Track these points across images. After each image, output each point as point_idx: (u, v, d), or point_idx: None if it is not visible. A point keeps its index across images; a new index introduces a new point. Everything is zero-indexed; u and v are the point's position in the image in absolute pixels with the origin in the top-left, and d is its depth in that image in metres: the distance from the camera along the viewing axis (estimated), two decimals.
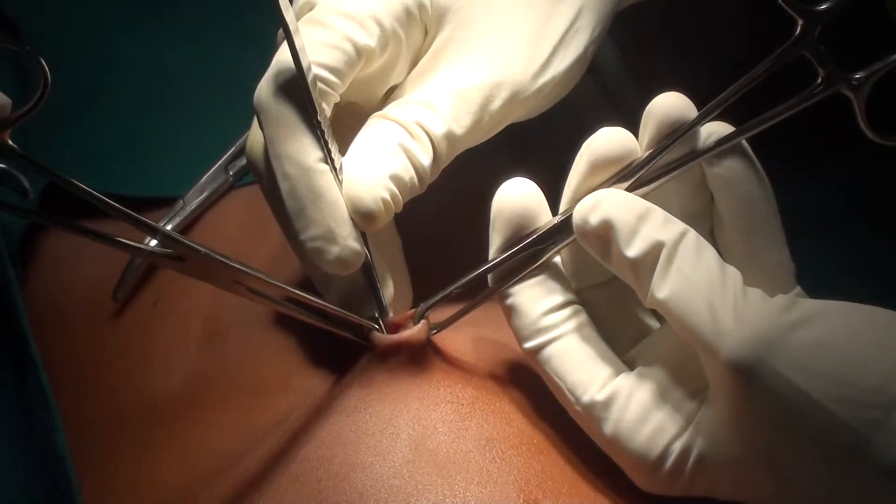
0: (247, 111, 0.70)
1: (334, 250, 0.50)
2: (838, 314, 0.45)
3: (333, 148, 0.50)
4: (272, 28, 0.76)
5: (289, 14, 0.50)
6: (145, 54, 0.77)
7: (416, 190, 0.53)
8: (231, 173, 0.69)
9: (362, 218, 0.50)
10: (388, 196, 0.50)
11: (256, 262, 0.62)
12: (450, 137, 0.53)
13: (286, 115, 0.50)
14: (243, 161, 0.69)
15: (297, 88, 0.50)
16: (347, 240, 0.50)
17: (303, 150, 0.50)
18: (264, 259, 0.63)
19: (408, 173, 0.52)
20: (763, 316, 0.44)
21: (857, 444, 0.42)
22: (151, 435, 0.57)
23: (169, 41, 0.78)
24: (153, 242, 0.59)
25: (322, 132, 0.50)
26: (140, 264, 0.64)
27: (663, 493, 0.48)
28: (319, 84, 0.51)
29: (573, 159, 0.52)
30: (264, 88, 0.51)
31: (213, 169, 0.69)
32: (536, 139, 0.58)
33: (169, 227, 0.66)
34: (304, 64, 0.50)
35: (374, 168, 0.51)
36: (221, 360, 0.58)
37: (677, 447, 0.47)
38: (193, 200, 0.68)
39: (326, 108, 0.51)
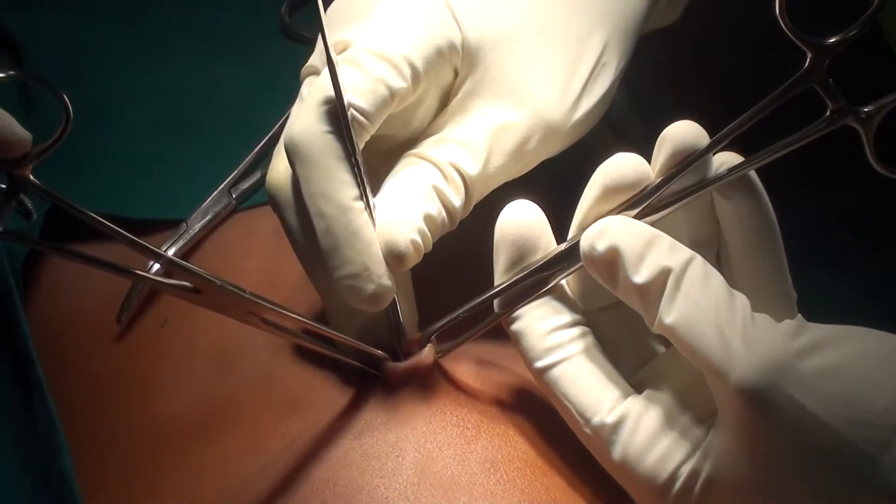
0: (249, 135, 0.71)
1: (370, 288, 0.50)
2: (847, 338, 0.45)
3: (367, 186, 0.51)
4: (274, 54, 0.77)
5: (333, 51, 0.50)
6: (149, 78, 0.77)
7: (447, 229, 0.54)
8: (234, 196, 0.70)
9: (394, 259, 0.51)
10: (419, 238, 0.51)
11: (259, 284, 0.63)
12: (483, 178, 0.54)
13: (324, 154, 0.50)
14: (246, 184, 0.70)
15: (333, 126, 0.50)
16: (382, 278, 0.50)
17: (341, 189, 0.50)
18: (267, 281, 0.63)
19: (440, 215, 0.53)
20: (773, 341, 0.44)
21: (864, 467, 0.43)
22: (157, 456, 0.57)
23: (172, 65, 0.78)
24: (156, 267, 0.60)
25: (360, 170, 0.51)
26: (144, 287, 0.64)
27: None
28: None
29: (575, 184, 0.53)
30: (301, 125, 0.51)
31: (216, 192, 0.69)
32: (540, 165, 0.58)
33: (173, 251, 0.66)
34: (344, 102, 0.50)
35: (408, 210, 0.51)
36: (229, 382, 0.58)
37: (686, 471, 0.47)
38: (196, 223, 0.68)
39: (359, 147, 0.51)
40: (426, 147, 0.54)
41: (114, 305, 0.63)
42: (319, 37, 0.58)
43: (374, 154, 0.54)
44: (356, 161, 0.51)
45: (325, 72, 0.52)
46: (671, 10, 0.67)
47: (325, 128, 0.51)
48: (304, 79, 0.58)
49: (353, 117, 0.51)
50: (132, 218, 0.66)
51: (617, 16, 0.60)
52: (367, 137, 0.53)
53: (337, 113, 0.51)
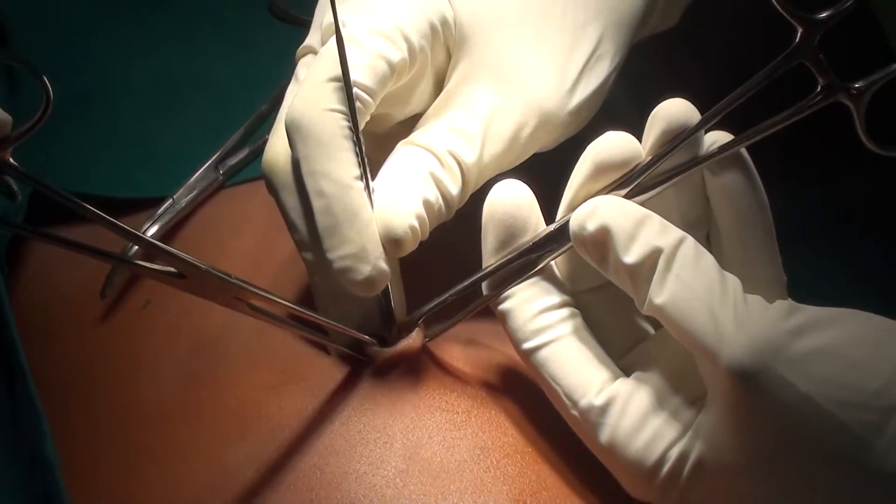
0: (236, 112, 0.71)
1: (365, 270, 0.49)
2: (839, 320, 0.45)
3: (367, 167, 0.50)
4: (262, 35, 0.77)
5: (340, 27, 0.50)
6: (135, 56, 0.76)
7: (444, 217, 0.53)
8: (221, 172, 0.69)
9: (391, 244, 0.50)
10: (417, 224, 0.51)
11: (246, 263, 0.62)
12: (480, 166, 0.54)
13: (326, 132, 0.50)
14: (233, 160, 0.70)
15: (335, 104, 0.50)
16: (379, 260, 0.50)
17: (342, 168, 0.50)
18: (254, 260, 0.63)
19: (437, 202, 0.52)
20: (765, 322, 0.44)
21: (857, 449, 0.42)
22: (141, 441, 0.56)
23: (159, 43, 0.77)
24: (135, 249, 0.59)
25: (361, 150, 0.50)
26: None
27: None
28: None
29: (564, 164, 0.52)
30: (303, 103, 0.51)
31: (202, 168, 0.69)
32: None
33: (157, 226, 0.66)
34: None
35: (407, 196, 0.51)
36: (213, 365, 0.57)
37: (674, 453, 0.47)
38: (183, 199, 0.67)
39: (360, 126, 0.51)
40: (422, 134, 0.54)
41: (97, 287, 0.62)
42: (314, 18, 0.59)
43: (368, 138, 0.53)
44: (358, 140, 0.50)
45: (323, 51, 0.52)
46: (669, 14, 0.66)
47: (328, 105, 0.50)
48: (299, 59, 0.58)
49: (357, 95, 0.50)
50: (118, 197, 0.66)
51: (614, 11, 0.59)
52: (368, 117, 0.52)
53: (339, 91, 0.50)
